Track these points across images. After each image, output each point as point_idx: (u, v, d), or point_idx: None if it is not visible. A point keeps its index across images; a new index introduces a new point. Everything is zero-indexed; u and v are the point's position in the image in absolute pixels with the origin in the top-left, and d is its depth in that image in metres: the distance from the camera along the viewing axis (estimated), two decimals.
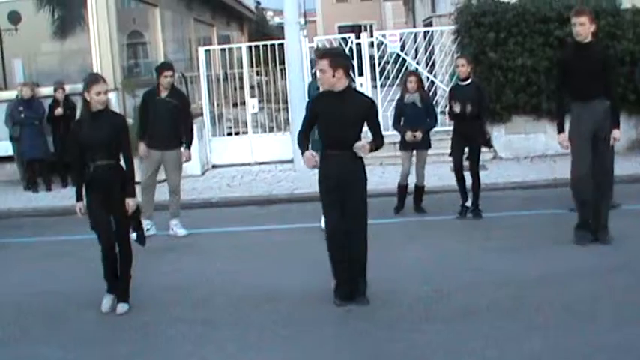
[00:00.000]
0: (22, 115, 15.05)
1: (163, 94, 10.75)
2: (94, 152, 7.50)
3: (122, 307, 7.66)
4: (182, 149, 10.90)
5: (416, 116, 11.04)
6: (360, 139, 7.25)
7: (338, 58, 7.30)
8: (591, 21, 8.70)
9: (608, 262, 8.21)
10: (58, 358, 6.65)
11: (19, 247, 11.03)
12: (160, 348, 6.72)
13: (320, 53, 7.52)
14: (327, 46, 17.36)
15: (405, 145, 11.21)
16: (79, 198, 7.69)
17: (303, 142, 7.42)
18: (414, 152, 11.23)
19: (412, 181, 11.24)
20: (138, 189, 8.45)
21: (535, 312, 6.86)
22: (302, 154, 7.36)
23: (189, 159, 11.05)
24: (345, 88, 7.26)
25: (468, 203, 10.81)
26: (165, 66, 11.03)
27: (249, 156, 16.55)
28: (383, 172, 14.12)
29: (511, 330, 6.48)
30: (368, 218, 7.40)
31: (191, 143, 11.04)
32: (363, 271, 7.42)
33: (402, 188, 11.36)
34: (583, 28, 8.68)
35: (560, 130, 8.96)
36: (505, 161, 15.06)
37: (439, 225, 10.61)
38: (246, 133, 16.93)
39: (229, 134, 17.47)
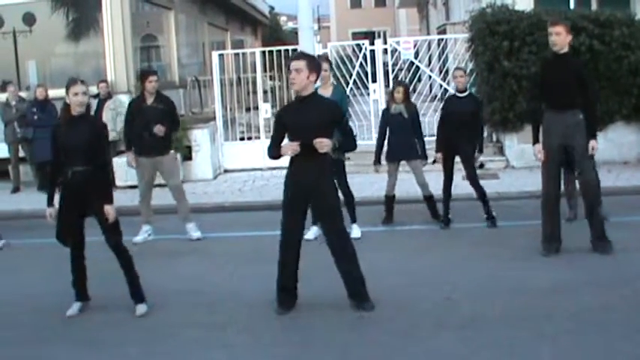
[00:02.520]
0: (35, 117, 15.11)
1: (149, 100, 10.75)
2: (72, 157, 7.53)
3: (141, 309, 7.69)
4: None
5: (402, 127, 10.99)
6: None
7: (315, 61, 7.41)
8: (567, 31, 8.71)
9: (616, 273, 8.20)
10: (67, 359, 6.67)
11: (30, 249, 11.05)
12: (171, 351, 6.72)
13: (296, 54, 7.59)
14: (341, 52, 17.38)
15: (390, 156, 11.16)
16: (50, 203, 7.72)
17: (275, 152, 7.45)
18: (401, 163, 11.20)
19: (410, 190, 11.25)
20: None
21: (546, 321, 6.84)
22: (279, 157, 7.45)
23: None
24: (311, 94, 7.34)
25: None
26: (150, 72, 11.06)
27: (261, 161, 16.52)
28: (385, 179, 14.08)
29: (522, 339, 6.47)
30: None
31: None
32: (359, 272, 7.47)
33: (390, 199, 11.29)
34: (559, 38, 8.69)
35: (536, 140, 8.96)
36: (518, 170, 15.02)
37: (450, 233, 10.61)
38: (259, 137, 16.92)
39: (242, 139, 17.47)
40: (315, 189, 7.33)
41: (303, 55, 7.51)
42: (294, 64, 7.25)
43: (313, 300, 7.66)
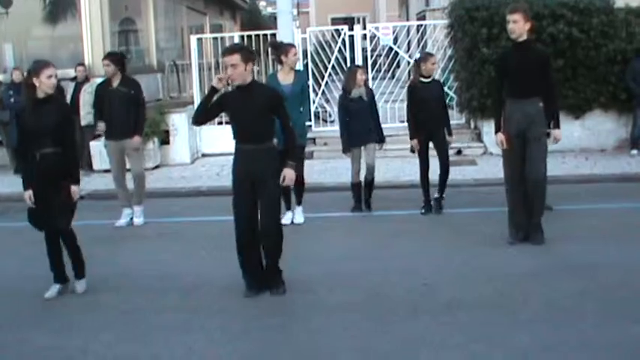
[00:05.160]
0: (12, 100, 15.00)
1: (115, 83, 10.70)
2: (40, 140, 7.47)
3: (81, 285, 7.82)
4: (135, 136, 10.79)
5: (363, 111, 10.87)
6: (271, 132, 7.49)
7: (247, 52, 7.47)
8: (526, 19, 8.65)
9: (592, 260, 8.23)
10: (43, 344, 6.63)
11: (6, 232, 10.99)
12: (146, 335, 6.69)
13: (229, 49, 7.54)
14: (320, 37, 17.35)
15: (353, 142, 10.98)
16: (27, 186, 7.65)
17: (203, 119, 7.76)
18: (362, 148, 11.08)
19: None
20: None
21: (522, 307, 6.88)
22: (206, 99, 7.56)
23: (137, 146, 10.88)
24: (251, 82, 7.42)
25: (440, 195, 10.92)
26: (105, 56, 11.05)
27: None
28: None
29: (498, 324, 6.50)
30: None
31: (140, 131, 10.95)
32: (277, 261, 7.59)
33: (356, 186, 11.15)
34: (516, 26, 8.65)
35: (498, 129, 8.94)
36: (495, 157, 15.00)
37: (427, 219, 10.63)
38: None
39: (219, 123, 17.30)
40: (258, 176, 7.39)
41: (234, 49, 7.47)
42: (229, 60, 7.28)
43: (289, 283, 7.65)
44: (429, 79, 10.80)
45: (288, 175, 7.45)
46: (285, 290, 7.53)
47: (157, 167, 15.42)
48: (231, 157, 7.62)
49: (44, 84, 7.41)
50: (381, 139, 11.09)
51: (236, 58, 7.24)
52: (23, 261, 9.25)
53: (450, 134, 10.96)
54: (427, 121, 10.69)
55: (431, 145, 10.83)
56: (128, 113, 10.70)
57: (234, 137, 7.57)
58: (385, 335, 6.41)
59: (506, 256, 8.56)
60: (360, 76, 10.91)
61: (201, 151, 16.76)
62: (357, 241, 9.37)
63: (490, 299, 7.15)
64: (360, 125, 10.91)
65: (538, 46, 9.43)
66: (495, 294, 7.28)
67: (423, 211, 10.82)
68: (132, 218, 10.94)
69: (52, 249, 7.78)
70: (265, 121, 7.41)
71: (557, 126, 8.79)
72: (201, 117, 7.67)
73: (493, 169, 13.76)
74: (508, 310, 6.82)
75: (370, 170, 11.04)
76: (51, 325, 7.07)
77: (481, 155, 15.24)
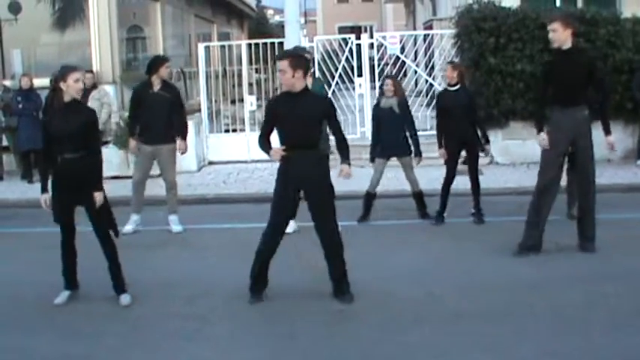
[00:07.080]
0: (20, 106, 15.04)
1: (156, 87, 10.62)
2: (63, 144, 7.44)
3: (125, 299, 7.67)
4: (178, 141, 10.75)
5: (392, 122, 10.82)
6: (318, 138, 7.46)
7: (298, 59, 7.39)
8: (565, 26, 8.66)
9: (599, 270, 8.24)
10: (47, 350, 6.65)
11: (13, 238, 11.01)
12: (151, 342, 6.71)
13: (280, 54, 7.57)
14: (328, 46, 17.40)
15: (380, 152, 10.96)
16: (44, 190, 7.62)
17: (265, 145, 7.51)
18: (389, 160, 11.03)
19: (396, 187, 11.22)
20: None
21: (526, 317, 6.87)
22: (268, 154, 7.45)
23: (185, 150, 10.93)
24: (303, 89, 7.36)
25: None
26: (165, 58, 10.93)
27: (245, 153, 16.54)
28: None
29: (502, 334, 6.50)
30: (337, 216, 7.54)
31: (186, 135, 10.91)
32: (344, 268, 7.51)
33: (371, 196, 11.11)
34: (555, 35, 8.70)
35: (539, 129, 8.96)
36: (501, 166, 15.06)
37: (432, 228, 10.62)
38: (244, 130, 16.92)
39: (226, 131, 17.47)
40: (306, 181, 7.36)
41: (285, 55, 7.51)
42: (279, 65, 7.32)
43: (295, 292, 7.68)
44: (455, 87, 10.74)
45: (345, 169, 7.45)
46: (353, 298, 7.45)
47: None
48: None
49: (71, 88, 7.38)
50: (415, 152, 10.94)
51: (284, 65, 7.22)
52: (27, 266, 9.27)
53: (487, 142, 10.92)
54: (455, 130, 10.63)
55: None
56: (167, 118, 10.60)
57: (282, 143, 7.44)
58: (388, 344, 6.41)
59: (512, 265, 8.56)
60: (385, 87, 10.93)
61: (207, 159, 16.78)
62: (362, 250, 9.36)
63: (495, 309, 7.14)
64: (387, 137, 10.87)
65: (585, 53, 9.32)
66: (500, 304, 7.28)
67: (434, 221, 10.80)
68: (138, 225, 10.92)
69: (67, 254, 7.72)
70: (314, 129, 7.39)
71: (608, 131, 8.80)
72: (265, 143, 7.53)
73: (499, 178, 13.79)
74: (513, 321, 6.81)
75: (413, 184, 11.01)
76: (54, 330, 7.08)
77: (487, 165, 15.22)
